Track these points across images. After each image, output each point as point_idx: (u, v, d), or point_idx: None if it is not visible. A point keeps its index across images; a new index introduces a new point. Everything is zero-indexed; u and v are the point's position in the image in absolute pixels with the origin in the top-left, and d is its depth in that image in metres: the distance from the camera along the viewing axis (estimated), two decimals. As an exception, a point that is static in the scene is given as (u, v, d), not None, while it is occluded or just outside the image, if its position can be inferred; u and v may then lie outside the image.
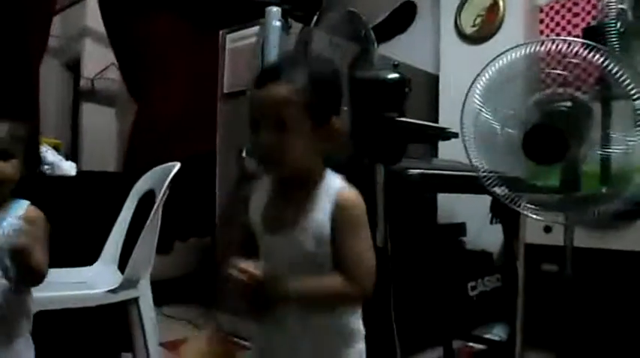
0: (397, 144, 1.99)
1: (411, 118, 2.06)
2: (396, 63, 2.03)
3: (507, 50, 1.59)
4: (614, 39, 1.84)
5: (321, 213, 0.93)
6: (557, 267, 1.89)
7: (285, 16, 2.38)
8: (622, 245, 1.92)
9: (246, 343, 2.35)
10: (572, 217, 1.67)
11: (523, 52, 1.55)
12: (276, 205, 0.99)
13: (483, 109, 1.59)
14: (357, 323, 1.02)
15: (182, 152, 2.39)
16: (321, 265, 0.94)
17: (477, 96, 1.58)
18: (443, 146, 2.92)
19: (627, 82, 1.59)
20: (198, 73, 3.11)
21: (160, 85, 3.20)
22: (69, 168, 2.30)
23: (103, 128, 4.12)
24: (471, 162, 1.65)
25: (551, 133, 1.51)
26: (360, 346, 1.02)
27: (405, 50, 3.21)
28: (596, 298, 2.12)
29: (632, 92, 1.61)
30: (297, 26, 2.50)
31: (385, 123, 1.98)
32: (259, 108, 0.93)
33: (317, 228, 0.93)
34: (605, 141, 1.68)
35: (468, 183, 2.21)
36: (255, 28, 2.53)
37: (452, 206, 2.94)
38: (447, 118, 2.92)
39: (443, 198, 2.97)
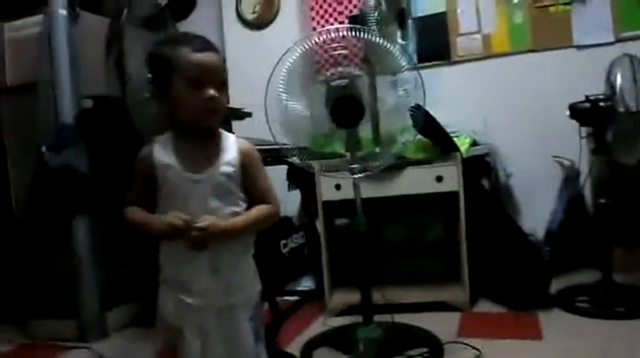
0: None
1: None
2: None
3: (297, 42, 1.84)
4: (372, 25, 2.21)
5: (229, 154, 1.19)
6: (348, 219, 2.26)
7: (72, 4, 2.31)
8: (392, 191, 2.41)
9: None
10: (357, 174, 2.04)
11: (308, 42, 1.82)
12: (190, 151, 1.19)
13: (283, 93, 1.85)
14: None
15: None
16: (232, 191, 1.19)
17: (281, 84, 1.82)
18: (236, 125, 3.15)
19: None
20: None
21: None
22: None
23: None
24: (274, 137, 1.89)
25: (350, 104, 1.84)
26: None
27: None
28: (379, 236, 2.61)
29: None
30: (85, 15, 2.45)
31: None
32: (206, 70, 1.14)
33: (229, 165, 1.19)
34: (374, 109, 2.08)
35: (266, 157, 2.48)
36: (39, 17, 2.39)
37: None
38: (237, 99, 3.14)
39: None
